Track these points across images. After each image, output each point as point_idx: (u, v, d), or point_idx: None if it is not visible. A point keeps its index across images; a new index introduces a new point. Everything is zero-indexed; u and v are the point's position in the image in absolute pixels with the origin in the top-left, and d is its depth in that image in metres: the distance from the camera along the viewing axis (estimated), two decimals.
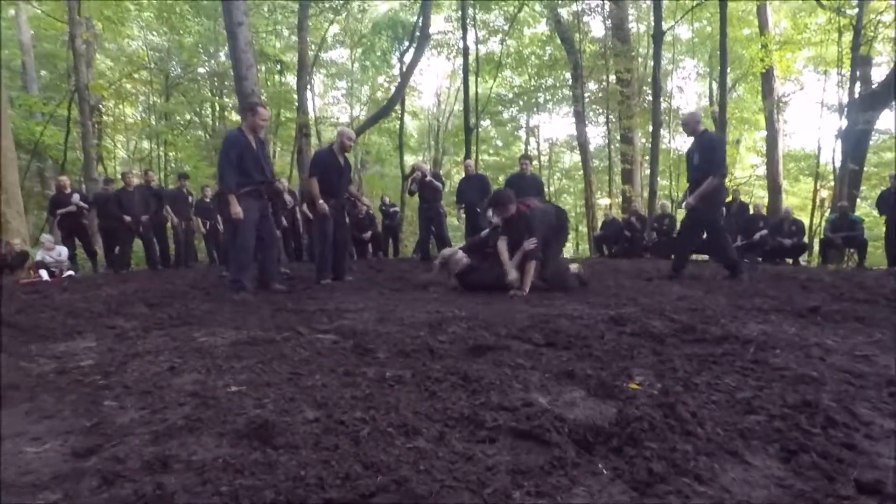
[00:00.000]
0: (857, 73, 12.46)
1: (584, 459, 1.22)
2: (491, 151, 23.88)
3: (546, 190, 21.98)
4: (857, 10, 11.47)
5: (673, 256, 5.19)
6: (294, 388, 1.81)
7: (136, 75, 18.19)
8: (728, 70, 14.47)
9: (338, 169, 5.38)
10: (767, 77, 16.24)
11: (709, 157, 4.95)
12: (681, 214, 10.82)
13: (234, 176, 4.55)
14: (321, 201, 5.22)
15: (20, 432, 1.51)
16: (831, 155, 13.93)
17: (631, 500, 1.05)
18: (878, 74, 14.90)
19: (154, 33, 18.95)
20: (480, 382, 1.80)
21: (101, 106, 16.13)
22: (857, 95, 12.51)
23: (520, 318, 3.04)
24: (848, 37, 12.20)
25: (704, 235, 5.72)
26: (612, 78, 17.10)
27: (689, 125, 5.27)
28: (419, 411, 1.53)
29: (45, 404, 1.76)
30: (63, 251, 8.21)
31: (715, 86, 17.93)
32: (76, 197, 8.51)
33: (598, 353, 2.22)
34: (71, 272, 8.03)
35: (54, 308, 4.05)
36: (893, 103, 15.46)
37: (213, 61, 19.29)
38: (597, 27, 22.44)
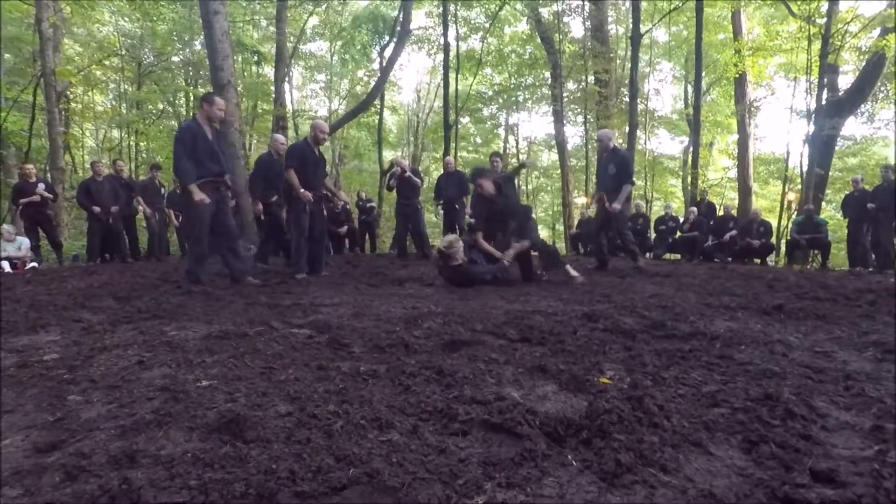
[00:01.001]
0: (825, 80, 12.85)
1: (554, 451, 1.24)
2: (470, 148, 23.91)
3: (523, 188, 22.02)
4: (825, 19, 11.83)
5: (595, 252, 5.68)
6: (267, 382, 1.80)
7: (106, 62, 17.63)
8: (703, 74, 14.81)
9: (314, 161, 5.34)
10: (740, 82, 16.64)
11: (624, 169, 6.01)
12: (655, 215, 10.97)
13: (191, 167, 4.51)
14: (302, 190, 5.16)
15: None
16: (799, 159, 14.38)
17: (599, 490, 1.07)
18: (845, 82, 15.44)
19: (126, 19, 18.38)
20: (454, 377, 1.81)
21: (68, 92, 15.60)
22: (824, 102, 12.92)
23: (495, 314, 3.07)
24: (817, 45, 12.58)
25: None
26: (591, 78, 17.30)
27: (604, 142, 6.27)
28: (393, 405, 1.53)
29: (6, 399, 1.71)
30: (25, 242, 7.94)
31: (690, 89, 18.32)
32: (41, 186, 8.23)
33: (571, 348, 2.26)
34: (34, 264, 7.77)
35: (16, 301, 3.92)
36: (857, 110, 16.04)
37: (187, 50, 18.82)
38: (576, 28, 22.69)
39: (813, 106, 13.11)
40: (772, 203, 20.81)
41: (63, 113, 13.98)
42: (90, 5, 14.62)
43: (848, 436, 1.33)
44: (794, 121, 18.58)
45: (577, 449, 1.25)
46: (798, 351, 2.21)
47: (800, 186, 13.71)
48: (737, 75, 16.14)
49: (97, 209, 7.98)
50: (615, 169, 5.98)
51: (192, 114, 20.20)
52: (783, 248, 11.92)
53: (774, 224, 13.77)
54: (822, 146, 13.24)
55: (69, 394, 1.74)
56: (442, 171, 9.13)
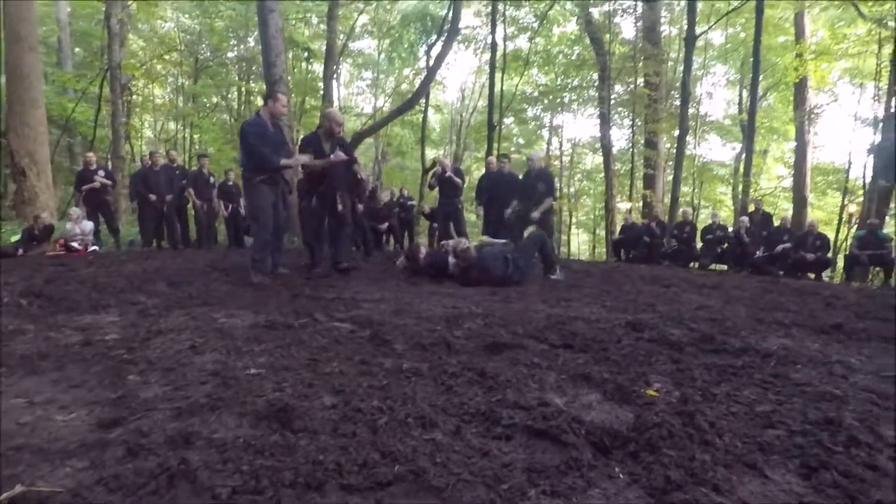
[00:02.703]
0: (895, 86, 12.11)
1: (600, 462, 1.22)
2: (513, 149, 23.75)
3: (565, 191, 21.70)
4: None
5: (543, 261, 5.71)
6: (312, 373, 1.84)
7: (166, 56, 18.45)
8: (760, 78, 14.20)
9: (322, 156, 4.95)
10: (800, 87, 15.87)
11: (550, 185, 7.01)
12: (701, 224, 10.62)
13: (269, 152, 4.55)
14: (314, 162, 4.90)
15: (49, 400, 1.56)
16: (862, 170, 13.61)
17: None
18: None
19: (186, 16, 19.19)
20: (497, 379, 1.80)
21: (131, 85, 16.41)
22: (893, 109, 12.17)
23: (536, 318, 3.03)
24: (888, 49, 11.86)
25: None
26: (641, 81, 16.87)
27: (535, 161, 7.30)
28: (436, 404, 1.54)
29: (73, 374, 1.81)
30: (89, 226, 8.39)
31: (745, 93, 17.60)
32: (101, 173, 8.67)
33: (616, 357, 2.21)
34: (95, 247, 8.21)
35: (80, 282, 4.15)
36: None
37: (242, 46, 19.48)
38: (628, 28, 22.13)
39: (881, 113, 12.37)
40: (828, 215, 19.77)
41: (126, 104, 14.71)
42: (154, 3, 15.33)
43: None
44: (858, 129, 17.59)
45: (624, 462, 1.22)
46: (860, 374, 2.09)
47: (861, 199, 12.98)
48: (797, 80, 15.42)
49: (153, 197, 8.35)
50: (543, 186, 6.89)
51: (243, 108, 20.93)
52: (840, 264, 11.31)
53: (832, 238, 13.08)
54: (888, 157, 12.47)
55: (129, 373, 1.83)
56: (483, 171, 9.10)
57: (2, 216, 8.95)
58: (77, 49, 18.10)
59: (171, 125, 21.92)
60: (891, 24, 12.09)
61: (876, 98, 13.47)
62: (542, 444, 1.31)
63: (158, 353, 2.07)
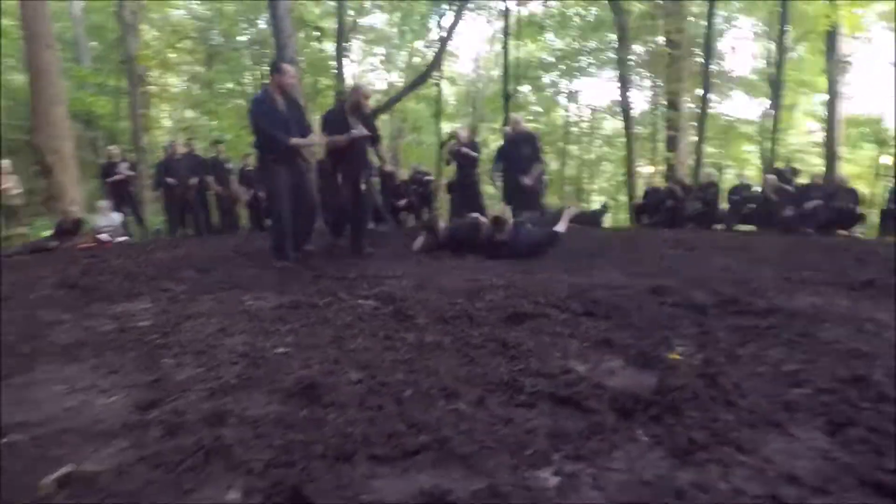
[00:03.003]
0: None
1: (623, 426, 1.23)
2: (530, 118, 23.32)
3: (585, 157, 21.29)
4: None
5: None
6: (338, 350, 1.88)
7: (179, 45, 18.52)
8: (788, 28, 13.54)
9: (346, 132, 4.65)
10: (832, 35, 15.08)
11: (535, 148, 6.87)
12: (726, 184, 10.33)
13: (279, 133, 4.17)
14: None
15: (90, 385, 1.64)
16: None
17: (670, 466, 1.05)
18: None
19: (196, 2, 19.15)
20: (519, 349, 1.82)
21: (146, 76, 16.55)
22: None
23: (558, 288, 3.03)
24: None
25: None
26: (661, 39, 16.26)
27: (519, 124, 7.21)
28: (459, 376, 1.57)
29: (110, 360, 1.90)
30: (117, 217, 8.62)
31: (773, 46, 16.82)
32: (124, 165, 8.85)
33: (638, 323, 2.20)
34: (125, 237, 8.45)
35: (112, 272, 4.29)
36: None
37: (253, 30, 19.39)
38: None
39: None
40: (864, 169, 19.00)
41: (143, 95, 14.88)
42: None
43: None
44: (893, 77, 16.72)
45: (647, 424, 1.23)
46: (892, 331, 2.04)
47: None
48: (829, 28, 14.64)
49: (171, 180, 8.49)
50: (530, 150, 6.67)
51: (258, 92, 20.94)
52: (876, 219, 10.91)
53: (867, 192, 12.60)
54: None
55: (163, 357, 1.90)
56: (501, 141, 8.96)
57: (34, 212, 9.25)
58: (93, 43, 18.29)
59: (189, 113, 22.12)
60: None
61: None
62: (566, 410, 1.33)
63: (190, 337, 2.14)
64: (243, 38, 19.81)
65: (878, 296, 2.81)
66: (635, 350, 1.78)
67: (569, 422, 1.26)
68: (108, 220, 8.41)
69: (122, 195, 8.86)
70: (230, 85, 20.97)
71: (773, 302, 2.57)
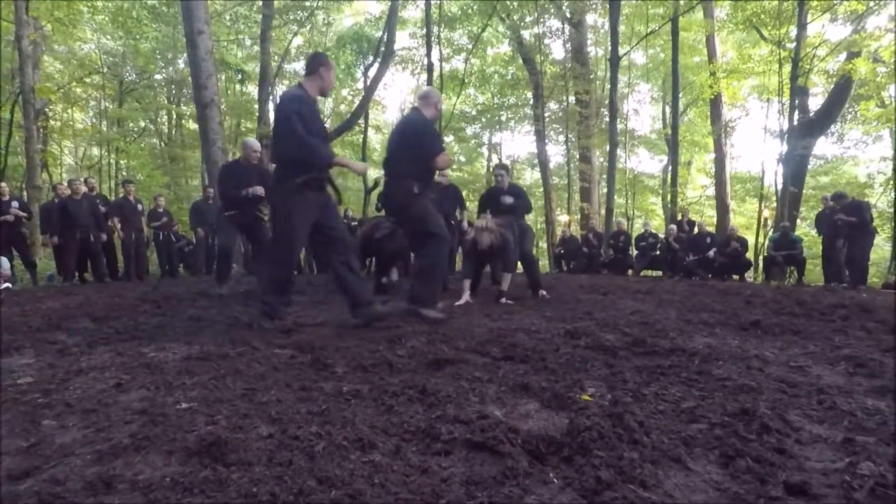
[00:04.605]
0: (796, 102, 13.31)
1: (536, 469, 1.25)
2: (455, 167, 24.10)
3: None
4: (795, 43, 12.29)
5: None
6: (248, 403, 1.78)
7: (87, 79, 17.51)
8: (680, 95, 15.22)
9: (247, 181, 5.35)
10: (716, 103, 17.13)
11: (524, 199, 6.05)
12: (635, 232, 11.10)
13: (318, 142, 3.23)
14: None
15: None
16: (773, 178, 14.79)
17: None
18: (815, 104, 16.00)
19: (108, 37, 18.33)
20: (437, 396, 1.81)
21: (47, 109, 15.42)
22: (795, 123, 13.36)
23: (479, 332, 3.08)
24: (788, 68, 13.04)
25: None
26: (572, 99, 17.66)
27: (505, 177, 5.90)
28: (376, 425, 1.53)
29: None
30: (4, 262, 7.74)
31: (668, 109, 18.79)
32: (15, 205, 8.06)
33: (554, 365, 2.28)
34: (8, 284, 7.57)
35: None
36: (828, 131, 16.60)
37: (170, 68, 18.80)
38: (557, 50, 23.16)
39: (786, 126, 13.53)
40: (749, 220, 21.31)
41: (41, 130, 13.79)
42: (71, 22, 14.56)
43: (821, 449, 1.36)
44: (769, 140, 19.16)
45: (558, 467, 1.26)
46: (774, 366, 2.26)
47: (775, 204, 14.08)
48: (712, 96, 16.62)
49: (53, 239, 7.87)
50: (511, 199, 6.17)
51: (174, 132, 20.05)
52: (761, 265, 12.18)
53: (752, 241, 14.08)
54: (796, 165, 13.68)
55: (44, 418, 1.70)
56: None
57: None
58: None
59: (95, 151, 20.72)
60: (788, 45, 13.32)
61: (781, 112, 14.72)
62: (481, 456, 1.33)
63: (78, 394, 1.94)
64: (159, 77, 19.13)
65: (763, 335, 3.12)
66: (550, 392, 1.83)
67: (483, 467, 1.26)
68: None
69: (10, 237, 8.00)
70: (143, 123, 20.02)
71: (675, 342, 2.76)
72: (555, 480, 1.19)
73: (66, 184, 8.77)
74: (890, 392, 1.83)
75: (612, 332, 3.13)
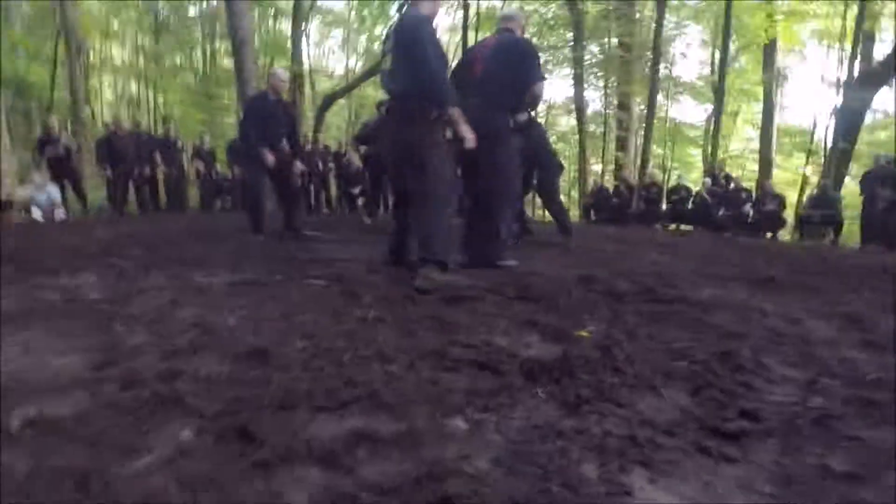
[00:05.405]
0: (859, 49, 12.41)
1: (527, 386, 1.46)
2: None
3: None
4: None
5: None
6: (287, 322, 2.04)
7: (123, 14, 17.63)
8: (732, 38, 14.35)
9: (273, 115, 5.09)
10: (770, 48, 16.09)
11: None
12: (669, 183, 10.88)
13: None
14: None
15: (44, 347, 1.72)
16: (824, 132, 14.07)
17: (559, 415, 1.29)
18: (882, 51, 14.83)
19: None
20: (452, 326, 2.03)
21: (88, 45, 15.70)
22: (856, 72, 12.51)
23: (497, 274, 3.27)
24: (855, 9, 12.07)
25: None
26: (615, 41, 16.86)
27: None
28: (395, 345, 1.76)
29: (61, 327, 1.97)
30: (54, 191, 8.26)
31: (718, 54, 17.78)
32: (63, 139, 8.48)
33: (563, 306, 2.46)
34: (62, 215, 8.11)
35: (52, 247, 4.22)
36: (893, 82, 15.48)
37: (204, 4, 18.69)
38: None
39: (845, 76, 12.72)
40: (794, 176, 20.44)
41: (83, 66, 14.13)
42: None
43: (785, 387, 1.52)
44: (824, 91, 18.01)
45: (546, 385, 1.47)
46: (771, 317, 2.39)
47: (822, 160, 13.47)
48: (767, 42, 15.61)
49: (109, 173, 8.24)
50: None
51: (207, 69, 20.14)
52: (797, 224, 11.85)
53: (795, 198, 13.61)
54: (850, 119, 12.93)
55: (114, 325, 1.99)
56: None
57: None
58: (25, 7, 17.11)
59: (133, 87, 21.11)
60: None
61: (841, 61, 13.81)
62: (483, 374, 1.55)
63: (140, 308, 2.23)
64: (194, 12, 19.07)
65: (773, 291, 3.20)
66: (553, 328, 2.03)
67: (483, 382, 1.48)
68: (44, 194, 8.05)
69: (62, 170, 8.49)
70: (179, 60, 20.18)
71: (683, 292, 2.90)
72: (542, 395, 1.40)
73: (113, 120, 9.14)
74: (873, 346, 1.96)
75: (625, 280, 3.27)
